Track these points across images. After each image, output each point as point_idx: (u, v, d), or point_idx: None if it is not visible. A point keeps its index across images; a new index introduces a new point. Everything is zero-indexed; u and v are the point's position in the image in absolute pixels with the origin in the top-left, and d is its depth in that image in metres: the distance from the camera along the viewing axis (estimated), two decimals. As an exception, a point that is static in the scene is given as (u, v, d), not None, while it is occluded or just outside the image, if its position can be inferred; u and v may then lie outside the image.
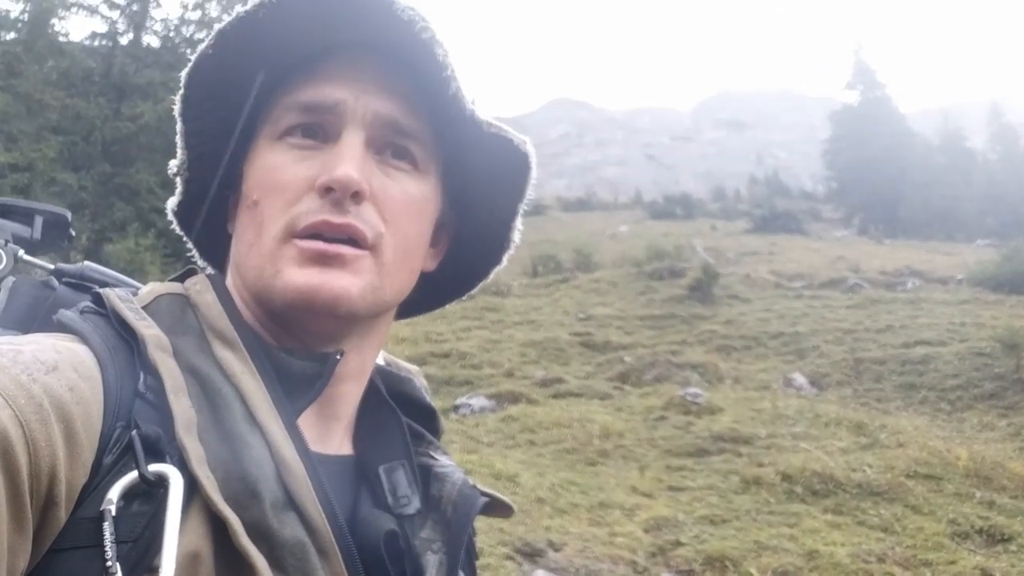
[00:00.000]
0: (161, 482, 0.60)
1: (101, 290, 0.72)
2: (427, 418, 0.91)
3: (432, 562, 0.77)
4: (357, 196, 0.71)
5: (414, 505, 0.79)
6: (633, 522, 6.25)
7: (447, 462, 0.86)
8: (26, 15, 21.66)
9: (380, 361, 0.90)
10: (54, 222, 0.96)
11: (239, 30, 0.71)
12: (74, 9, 22.92)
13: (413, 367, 0.96)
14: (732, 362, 12.89)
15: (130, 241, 18.75)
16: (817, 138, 74.28)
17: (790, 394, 11.11)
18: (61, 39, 22.84)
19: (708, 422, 9.19)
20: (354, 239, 0.71)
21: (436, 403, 0.94)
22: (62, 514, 0.57)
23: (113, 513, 0.58)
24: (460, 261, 0.89)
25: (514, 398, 10.70)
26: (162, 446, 0.62)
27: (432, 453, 0.87)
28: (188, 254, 0.89)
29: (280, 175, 0.73)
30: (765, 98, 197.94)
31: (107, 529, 0.57)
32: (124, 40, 23.90)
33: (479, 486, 0.85)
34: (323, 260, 0.70)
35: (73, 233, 0.99)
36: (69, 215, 0.97)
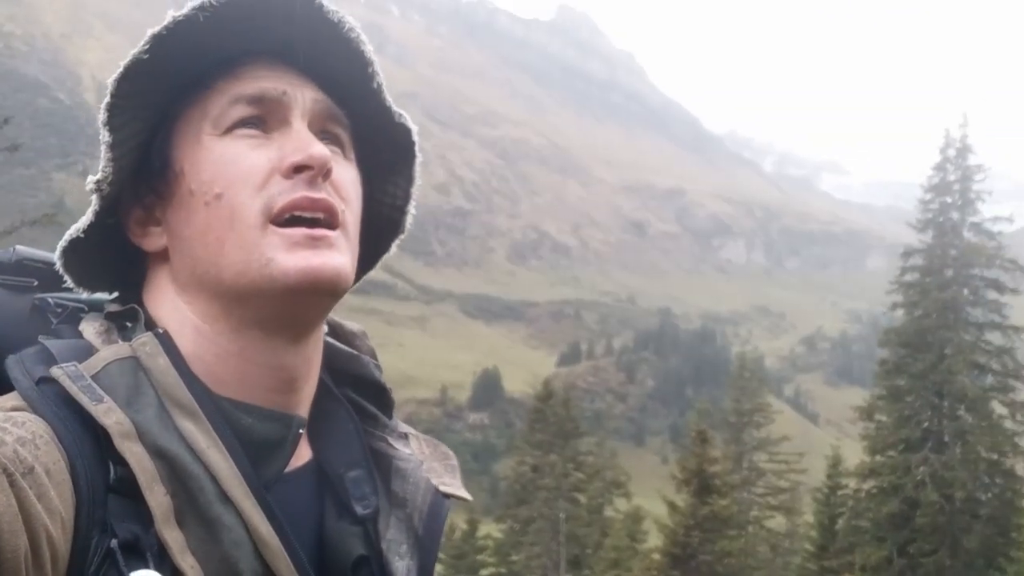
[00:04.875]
0: None
1: (53, 372, 0.69)
2: (378, 395, 0.89)
3: (400, 569, 0.78)
4: (328, 174, 0.74)
5: (373, 504, 0.81)
6: None
7: (406, 452, 0.86)
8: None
9: (323, 327, 0.88)
10: None
11: (175, 34, 0.72)
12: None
13: (357, 328, 0.93)
14: None
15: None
16: None
17: None
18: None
19: None
20: (329, 217, 0.74)
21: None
22: None
23: None
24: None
25: None
26: (141, 544, 0.64)
27: (389, 439, 0.87)
28: None
29: (243, 162, 0.74)
30: None
31: None
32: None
33: (438, 482, 0.86)
34: (311, 243, 0.72)
35: None
36: None
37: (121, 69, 0.72)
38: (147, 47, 0.71)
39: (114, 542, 0.63)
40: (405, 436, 0.89)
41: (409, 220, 0.89)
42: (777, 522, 31.91)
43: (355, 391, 0.88)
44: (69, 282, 0.80)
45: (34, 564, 0.58)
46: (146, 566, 0.63)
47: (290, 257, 0.71)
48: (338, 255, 0.73)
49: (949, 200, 23.55)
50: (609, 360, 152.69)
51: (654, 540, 28.33)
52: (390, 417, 0.89)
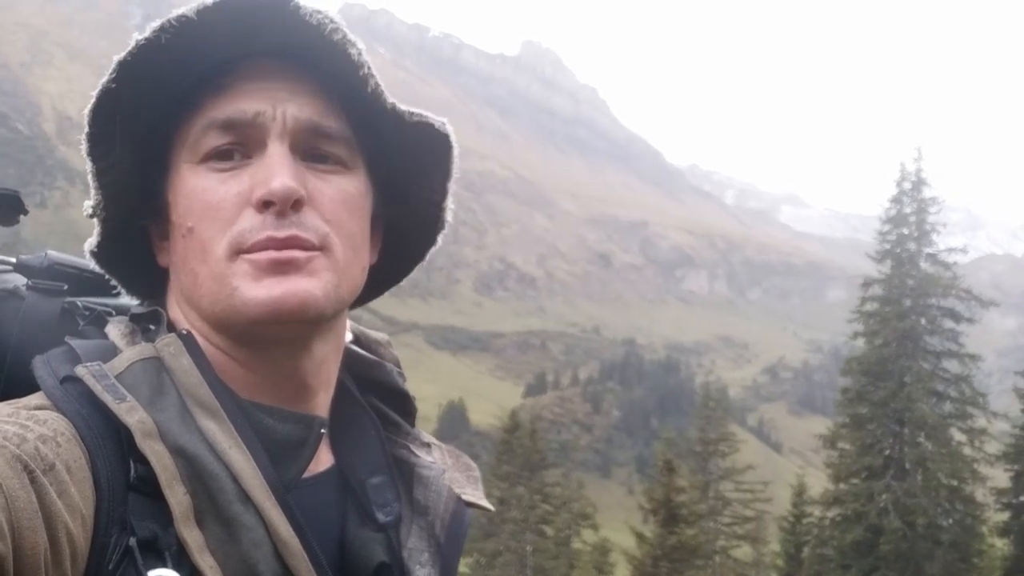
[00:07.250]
0: None
1: (78, 370, 0.70)
2: (401, 403, 0.90)
3: None
4: (297, 204, 0.72)
5: (396, 511, 0.81)
6: None
7: (428, 459, 0.87)
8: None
9: (348, 336, 0.88)
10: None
11: (139, 58, 0.70)
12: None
13: (383, 336, 0.93)
14: None
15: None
16: None
17: None
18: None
19: None
20: (300, 248, 0.72)
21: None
22: None
23: None
24: (396, 246, 0.88)
25: None
26: (160, 543, 0.64)
27: (411, 446, 0.87)
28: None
29: (211, 196, 0.73)
30: None
31: None
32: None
33: (460, 490, 0.86)
34: (278, 268, 0.70)
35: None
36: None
37: (93, 100, 0.71)
38: (114, 75, 0.70)
39: (133, 540, 0.63)
40: (428, 445, 0.89)
41: (449, 215, 0.87)
42: (744, 551, 31.89)
43: (378, 398, 0.88)
44: (117, 285, 0.83)
45: (53, 560, 0.58)
46: (164, 565, 0.63)
47: (254, 287, 0.70)
48: (307, 280, 0.71)
49: (906, 232, 23.96)
50: (575, 391, 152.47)
51: (621, 572, 28.17)
52: (412, 425, 0.90)
